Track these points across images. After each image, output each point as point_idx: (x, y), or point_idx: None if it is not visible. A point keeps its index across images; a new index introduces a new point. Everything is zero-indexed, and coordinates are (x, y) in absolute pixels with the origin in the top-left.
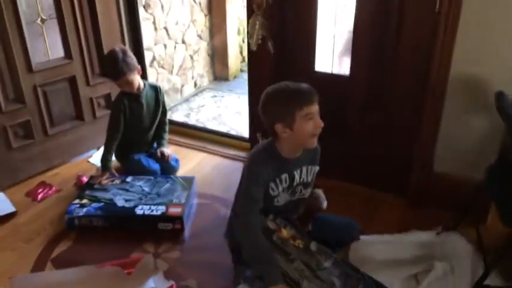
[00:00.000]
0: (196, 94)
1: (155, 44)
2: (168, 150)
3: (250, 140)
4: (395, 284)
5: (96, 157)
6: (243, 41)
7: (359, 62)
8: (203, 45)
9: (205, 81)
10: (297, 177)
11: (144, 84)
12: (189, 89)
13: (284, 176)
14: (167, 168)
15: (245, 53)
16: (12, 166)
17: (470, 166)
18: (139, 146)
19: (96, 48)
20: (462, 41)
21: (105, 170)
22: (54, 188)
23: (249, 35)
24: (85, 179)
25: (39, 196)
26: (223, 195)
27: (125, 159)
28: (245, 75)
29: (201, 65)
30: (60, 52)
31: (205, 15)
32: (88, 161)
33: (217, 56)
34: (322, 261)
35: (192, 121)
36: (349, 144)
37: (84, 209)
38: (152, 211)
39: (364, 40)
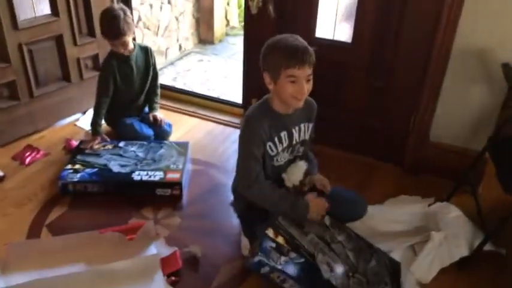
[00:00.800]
0: (181, 57)
1: (141, 4)
2: (161, 114)
3: (244, 105)
4: (396, 254)
5: (83, 120)
6: (228, 4)
7: (362, 28)
8: (189, 7)
9: (190, 45)
10: (295, 135)
11: (134, 46)
12: (173, 52)
13: (283, 133)
14: (160, 133)
15: (230, 16)
16: None
17: (466, 137)
18: (130, 110)
19: (84, 6)
20: (470, 8)
21: (96, 134)
22: (42, 152)
23: None
24: (74, 143)
25: (27, 160)
26: (218, 162)
27: (116, 124)
28: (230, 39)
29: (186, 28)
30: (46, 8)
31: None
32: (75, 125)
33: (203, 18)
34: (336, 234)
35: (179, 85)
36: (348, 112)
37: (78, 175)
38: (150, 177)
39: (369, 6)
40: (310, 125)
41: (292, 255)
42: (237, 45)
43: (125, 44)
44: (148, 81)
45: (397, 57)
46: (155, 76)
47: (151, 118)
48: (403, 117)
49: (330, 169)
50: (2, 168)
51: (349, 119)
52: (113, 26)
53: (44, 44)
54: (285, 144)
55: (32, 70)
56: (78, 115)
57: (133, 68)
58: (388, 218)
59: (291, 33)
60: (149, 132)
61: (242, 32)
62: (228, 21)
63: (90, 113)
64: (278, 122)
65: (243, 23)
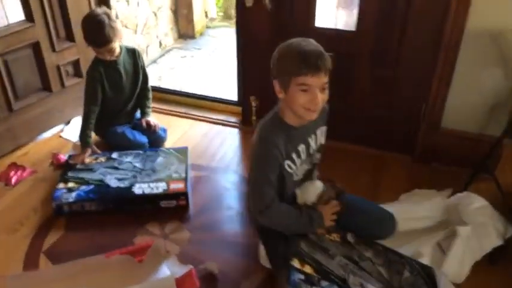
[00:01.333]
0: (163, 55)
1: (117, 1)
2: (154, 119)
3: (241, 103)
4: (425, 258)
5: (68, 131)
6: None
7: (367, 14)
8: (166, 1)
9: (170, 40)
10: (312, 144)
11: (121, 49)
12: (154, 50)
13: (301, 147)
14: (154, 139)
15: (208, 8)
16: None
17: (480, 123)
18: (120, 118)
19: (60, 9)
20: None
21: (86, 146)
22: (28, 170)
23: None
24: (62, 158)
25: (13, 180)
26: (220, 166)
27: (106, 133)
28: (211, 32)
29: (165, 23)
30: (19, 14)
31: None
32: (60, 136)
33: (181, 12)
34: (363, 251)
35: (165, 85)
36: (355, 103)
37: (73, 194)
38: (152, 189)
39: None
40: (324, 128)
41: (324, 283)
42: (218, 38)
43: (111, 51)
44: (139, 86)
45: (405, 43)
46: (145, 79)
47: (144, 124)
48: (413, 106)
49: (338, 163)
50: None
51: (355, 110)
52: (98, 33)
53: (20, 53)
54: (303, 157)
55: (9, 82)
56: (61, 126)
57: (122, 73)
58: (407, 216)
59: (289, 24)
60: (143, 139)
61: (223, 24)
62: (206, 12)
63: (75, 122)
64: (294, 136)
65: (221, 14)
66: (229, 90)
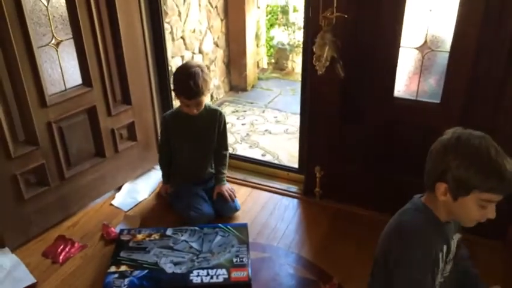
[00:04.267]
0: None
1: (172, 57)
2: (227, 186)
3: (304, 172)
4: None
5: (119, 198)
6: (257, 46)
7: (455, 84)
8: (220, 54)
9: (221, 93)
10: (452, 247)
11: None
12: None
13: (444, 247)
14: (224, 209)
15: (259, 58)
16: (24, 220)
17: None
18: (190, 175)
19: (118, 71)
20: None
21: (164, 183)
22: (77, 245)
23: (316, 56)
24: (113, 231)
25: (61, 257)
26: (282, 245)
27: (174, 191)
28: (263, 84)
29: (218, 75)
30: (77, 79)
31: (222, 20)
32: (111, 204)
33: (234, 64)
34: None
35: None
36: None
37: (126, 281)
38: (211, 277)
39: (464, 58)
40: (459, 236)
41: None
42: (271, 91)
43: (199, 104)
44: (212, 145)
45: (499, 118)
46: (222, 142)
47: (215, 194)
48: None
49: None
50: (33, 269)
51: None
52: (191, 85)
53: (76, 118)
54: (441, 265)
55: (62, 150)
56: (112, 192)
57: (194, 125)
58: None
59: (364, 93)
60: (208, 210)
61: (274, 75)
62: (258, 63)
63: (126, 188)
64: (441, 232)
65: (272, 62)
66: (286, 151)
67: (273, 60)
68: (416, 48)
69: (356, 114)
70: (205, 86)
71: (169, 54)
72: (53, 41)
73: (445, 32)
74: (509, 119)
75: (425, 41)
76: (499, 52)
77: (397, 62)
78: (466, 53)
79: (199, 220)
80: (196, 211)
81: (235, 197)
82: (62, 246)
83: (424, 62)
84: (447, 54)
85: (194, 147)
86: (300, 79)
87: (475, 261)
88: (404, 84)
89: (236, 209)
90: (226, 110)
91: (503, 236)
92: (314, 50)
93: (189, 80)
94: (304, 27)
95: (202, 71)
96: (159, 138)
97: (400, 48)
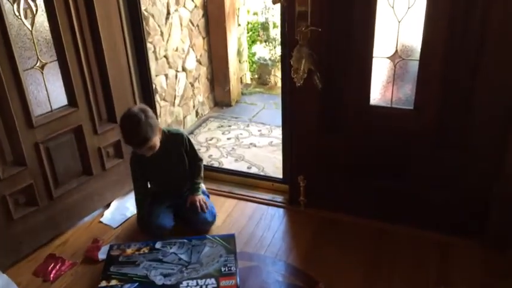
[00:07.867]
0: (200, 125)
1: (156, 76)
2: (200, 196)
3: (288, 181)
4: None
5: (108, 215)
6: (240, 61)
7: (426, 90)
8: (203, 71)
9: (206, 109)
10: None
11: (164, 133)
12: (191, 120)
13: None
14: (197, 221)
15: (242, 74)
16: (14, 240)
17: None
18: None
19: (103, 91)
20: None
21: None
22: (67, 262)
23: (294, 69)
24: (96, 255)
25: (52, 275)
26: (271, 254)
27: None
28: (247, 98)
29: (202, 92)
30: (62, 100)
31: (203, 38)
32: (100, 221)
33: (217, 80)
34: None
35: (205, 159)
36: (414, 184)
37: None
38: (201, 287)
39: (434, 66)
40: None
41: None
42: (254, 106)
43: (152, 148)
44: (185, 168)
45: (471, 120)
46: (192, 158)
47: (188, 203)
48: (482, 186)
49: (400, 252)
50: None
51: (415, 191)
52: (136, 134)
53: (62, 138)
54: None
55: (50, 170)
56: (100, 210)
57: (161, 159)
58: None
59: (340, 102)
60: (167, 223)
61: (257, 90)
62: (241, 78)
63: (114, 205)
64: None
65: (255, 77)
66: (271, 163)
67: (256, 76)
68: (388, 58)
69: (336, 123)
70: (151, 131)
71: (153, 72)
72: (38, 64)
73: (414, 41)
74: (477, 117)
75: (396, 51)
76: (465, 58)
77: (371, 72)
78: (434, 61)
79: (153, 229)
80: (153, 219)
81: (207, 208)
82: (52, 265)
83: (396, 71)
84: (417, 62)
85: (168, 173)
86: None
87: (454, 263)
88: (379, 93)
89: (207, 220)
90: (212, 126)
91: (481, 234)
92: (292, 63)
93: (132, 130)
94: (281, 42)
95: (146, 115)
96: (131, 175)
97: (373, 59)
